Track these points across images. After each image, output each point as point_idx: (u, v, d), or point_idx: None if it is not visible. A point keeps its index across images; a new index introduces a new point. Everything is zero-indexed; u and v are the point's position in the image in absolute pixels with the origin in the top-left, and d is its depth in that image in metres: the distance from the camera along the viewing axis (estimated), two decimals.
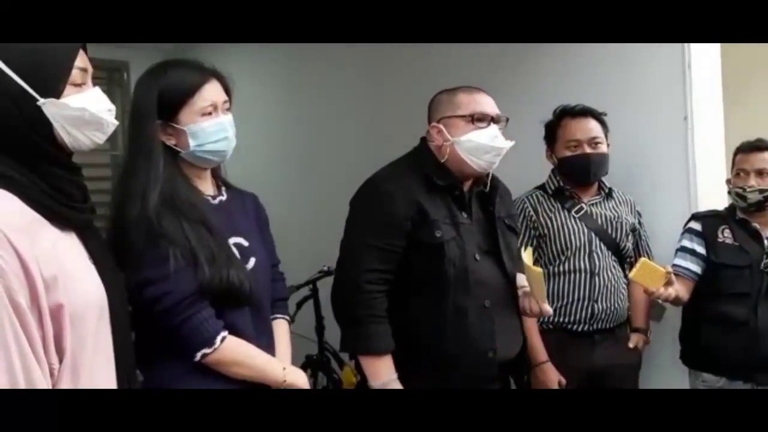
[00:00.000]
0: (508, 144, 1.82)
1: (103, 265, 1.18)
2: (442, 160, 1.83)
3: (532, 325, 2.17)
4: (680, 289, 2.11)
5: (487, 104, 1.83)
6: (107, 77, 5.03)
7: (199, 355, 1.43)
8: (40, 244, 1.06)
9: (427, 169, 1.83)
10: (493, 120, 1.81)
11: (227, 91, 1.57)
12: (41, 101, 1.10)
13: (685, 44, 2.37)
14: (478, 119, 1.80)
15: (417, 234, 1.76)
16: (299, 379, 1.60)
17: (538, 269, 1.78)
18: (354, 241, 1.81)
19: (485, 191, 1.90)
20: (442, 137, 1.82)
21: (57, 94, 1.11)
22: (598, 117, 2.27)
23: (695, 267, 2.23)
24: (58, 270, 1.06)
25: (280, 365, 1.58)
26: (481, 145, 1.78)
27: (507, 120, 1.85)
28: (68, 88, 1.13)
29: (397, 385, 1.74)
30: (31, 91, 1.09)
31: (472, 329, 1.77)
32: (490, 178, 1.90)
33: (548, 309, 1.83)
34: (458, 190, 1.83)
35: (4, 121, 1.08)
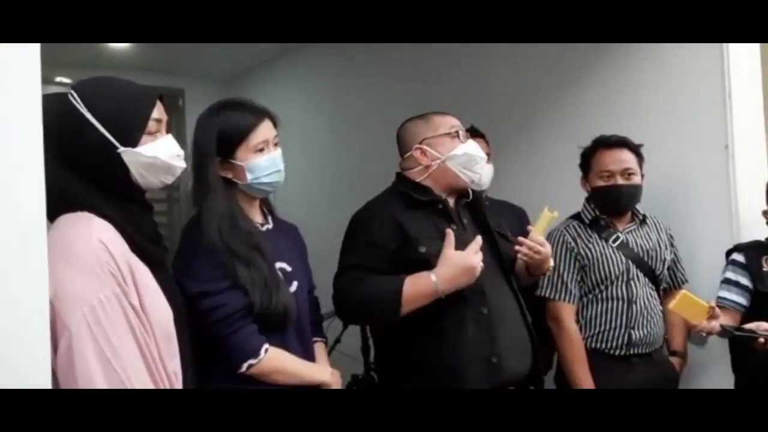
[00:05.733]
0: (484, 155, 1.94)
1: (172, 299, 1.33)
2: (419, 179, 1.89)
3: (580, 357, 2.20)
4: (725, 322, 2.09)
5: (458, 122, 1.94)
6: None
7: (245, 365, 1.55)
8: (134, 268, 1.22)
9: (406, 189, 1.88)
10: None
11: (275, 126, 1.71)
12: (121, 149, 1.26)
13: (726, 71, 2.36)
14: (460, 134, 1.91)
15: (402, 253, 1.78)
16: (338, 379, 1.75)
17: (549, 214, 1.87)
18: (341, 263, 1.86)
19: (469, 201, 1.95)
20: (428, 157, 1.88)
21: (134, 143, 1.28)
22: (634, 148, 2.28)
23: (740, 299, 2.22)
24: (147, 294, 1.22)
25: (318, 366, 1.72)
26: (473, 156, 1.89)
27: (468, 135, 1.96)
28: (144, 137, 1.29)
29: (445, 262, 1.70)
30: (113, 140, 1.25)
31: (471, 337, 1.78)
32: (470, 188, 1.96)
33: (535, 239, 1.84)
34: (441, 204, 1.87)
35: (94, 165, 1.25)
